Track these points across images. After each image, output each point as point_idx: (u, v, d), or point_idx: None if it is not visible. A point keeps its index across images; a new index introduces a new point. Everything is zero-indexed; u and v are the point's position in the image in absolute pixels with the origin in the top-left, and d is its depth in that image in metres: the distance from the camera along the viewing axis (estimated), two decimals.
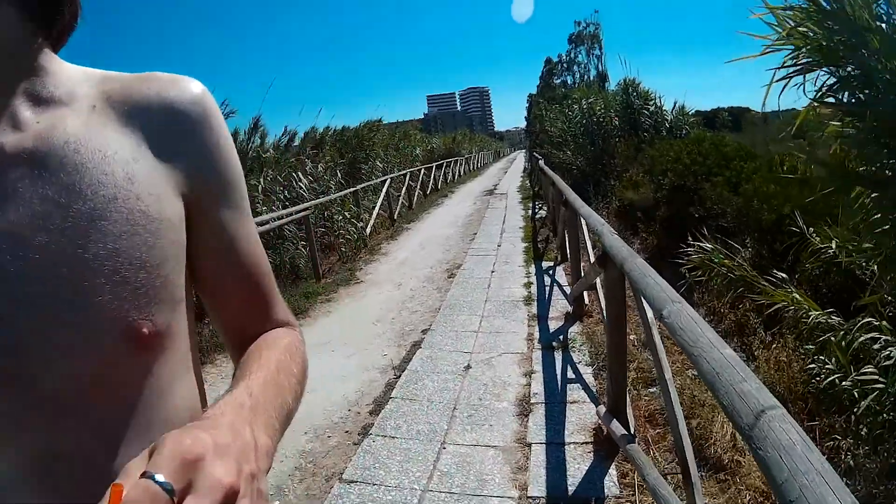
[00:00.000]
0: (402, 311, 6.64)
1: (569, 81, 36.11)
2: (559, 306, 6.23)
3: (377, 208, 12.84)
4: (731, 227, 7.11)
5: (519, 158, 54.40)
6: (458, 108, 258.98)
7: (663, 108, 15.59)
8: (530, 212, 14.02)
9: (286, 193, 11.44)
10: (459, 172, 28.75)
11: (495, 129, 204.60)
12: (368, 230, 11.61)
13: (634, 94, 15.67)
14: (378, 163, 19.09)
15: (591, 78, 32.64)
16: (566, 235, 7.18)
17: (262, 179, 10.87)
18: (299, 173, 12.23)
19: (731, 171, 8.07)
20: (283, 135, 14.90)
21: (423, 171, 19.61)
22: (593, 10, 38.44)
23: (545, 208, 14.03)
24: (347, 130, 19.65)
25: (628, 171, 12.97)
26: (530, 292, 6.86)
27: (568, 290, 6.64)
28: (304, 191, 11.83)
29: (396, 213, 14.17)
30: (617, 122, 15.53)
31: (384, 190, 13.61)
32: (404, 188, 16.22)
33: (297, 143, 15.31)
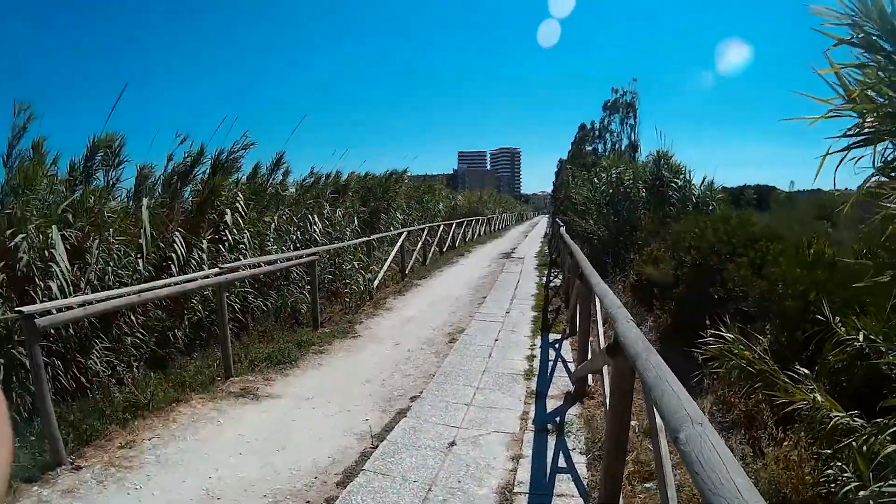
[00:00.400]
0: (395, 372, 6.33)
1: (600, 149, 36.04)
2: (561, 384, 5.87)
3: (388, 261, 12.62)
4: (752, 311, 6.71)
5: (541, 223, 54.41)
6: (488, 166, 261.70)
7: (692, 183, 15.31)
8: (545, 279, 13.70)
9: (299, 235, 11.29)
10: (480, 232, 28.62)
11: (521, 191, 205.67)
12: (376, 283, 11.36)
13: (665, 166, 15.41)
14: (398, 214, 18.99)
15: (623, 147, 32.53)
16: (578, 309, 6.82)
17: (275, 217, 10.71)
18: (315, 216, 12.09)
19: (756, 252, 7.71)
20: (308, 175, 14.88)
21: (441, 227, 19.46)
22: (632, 77, 38.48)
23: (560, 276, 13.74)
24: (371, 178, 19.68)
25: (650, 245, 12.64)
26: (532, 366, 6.51)
27: (573, 367, 6.29)
28: (317, 234, 11.68)
29: (409, 267, 13.93)
30: (644, 194, 15.25)
31: (399, 243, 13.41)
32: (420, 243, 16.02)
33: (320, 184, 15.29)
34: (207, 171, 9.86)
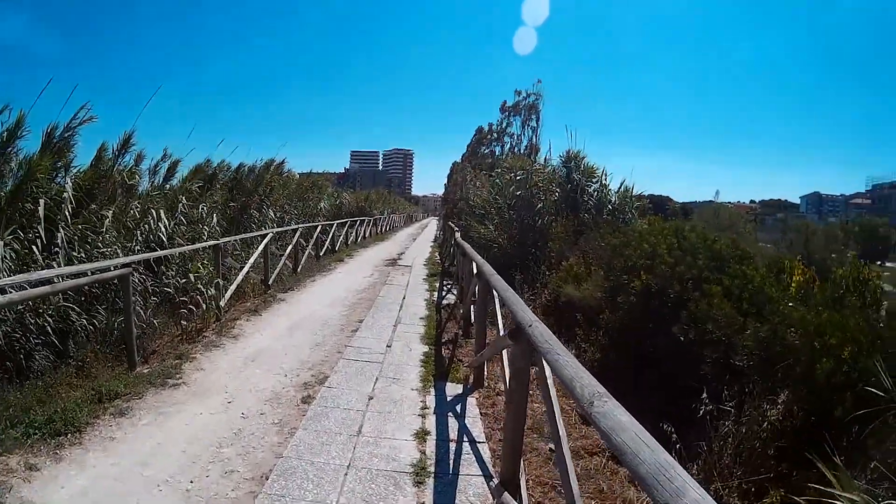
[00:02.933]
0: (213, 465, 4.18)
1: (497, 152, 34.87)
2: (472, 487, 3.95)
3: (246, 269, 10.35)
4: (744, 366, 5.09)
5: (431, 225, 52.79)
6: (381, 167, 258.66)
7: (608, 188, 13.99)
8: (437, 294, 11.93)
9: (139, 235, 9.05)
10: (365, 234, 26.54)
11: (413, 192, 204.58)
12: (226, 297, 9.10)
13: (577, 168, 13.96)
14: (271, 212, 16.70)
15: (522, 150, 31.30)
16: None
17: (111, 211, 8.44)
18: (161, 211, 9.75)
19: (731, 278, 6.11)
20: (162, 159, 12.36)
21: (319, 228, 17.24)
22: (536, 79, 37.58)
23: (454, 290, 12.05)
24: (245, 169, 17.25)
25: (566, 259, 11.07)
26: (424, 452, 4.48)
27: (485, 447, 4.53)
28: (163, 235, 9.41)
29: (273, 277, 11.72)
30: (556, 197, 13.75)
31: (261, 246, 11.20)
32: (291, 246, 13.80)
33: (181, 174, 12.82)
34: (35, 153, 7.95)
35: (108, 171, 9.35)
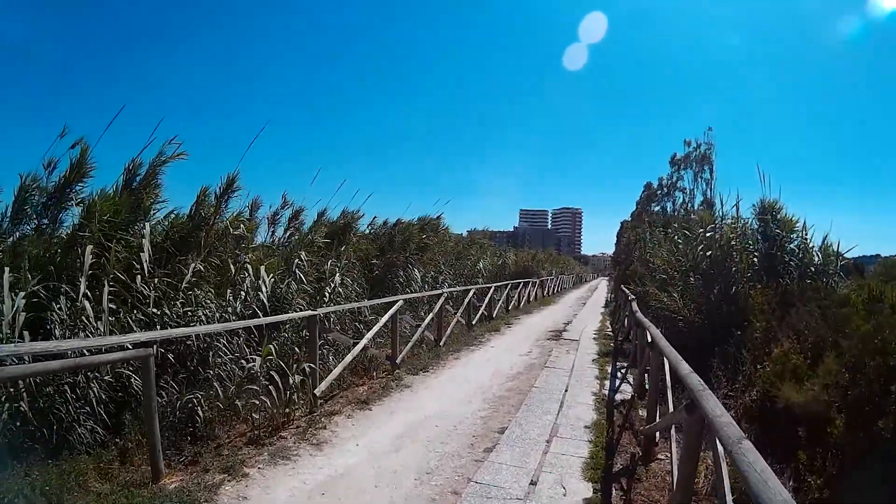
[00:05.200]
0: None
1: (669, 208, 31.09)
2: None
3: (359, 347, 8.07)
4: None
5: (601, 287, 49.09)
6: (549, 226, 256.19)
7: (810, 244, 10.43)
8: (608, 383, 8.94)
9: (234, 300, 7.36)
10: (530, 297, 23.84)
11: (582, 252, 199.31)
12: (321, 387, 6.87)
13: (774, 222, 10.53)
14: (416, 272, 14.65)
15: (696, 206, 27.30)
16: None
17: (192, 266, 6.84)
18: (262, 268, 7.97)
19: None
20: (282, 207, 10.81)
21: (472, 292, 14.84)
22: (707, 126, 33.49)
23: (630, 378, 9.07)
24: (390, 226, 15.53)
25: (776, 341, 7.76)
26: None
27: None
28: (263, 296, 7.60)
29: (403, 354, 9.41)
30: (756, 259, 10.43)
31: (386, 316, 8.97)
32: (432, 314, 11.49)
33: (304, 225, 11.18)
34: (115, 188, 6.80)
35: (208, 219, 7.72)
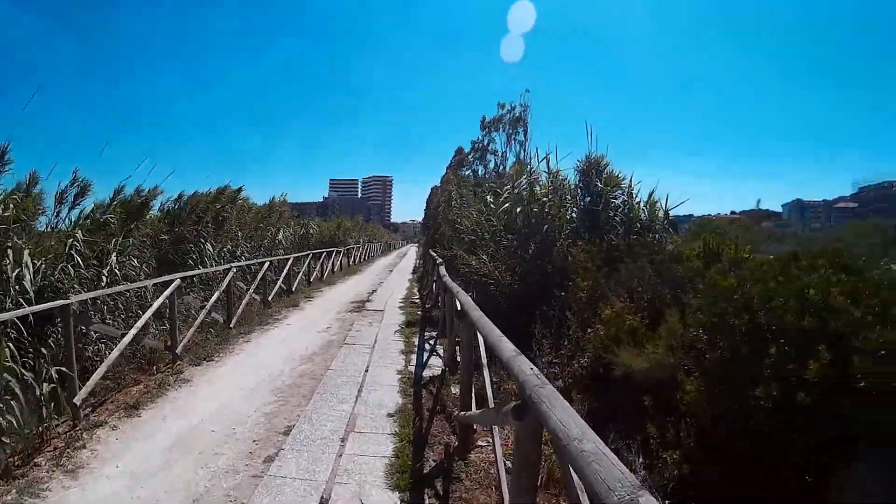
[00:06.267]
0: None
1: (480, 172, 31.22)
2: None
3: (127, 339, 6.85)
4: None
5: (410, 253, 49.76)
6: (360, 195, 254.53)
7: (636, 199, 10.80)
8: (414, 357, 8.60)
9: None
10: (334, 267, 23.11)
11: (392, 220, 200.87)
12: (82, 395, 5.72)
13: (598, 177, 10.68)
14: (209, 246, 13.43)
15: (508, 168, 27.28)
16: None
17: None
18: (26, 251, 6.64)
19: None
20: (71, 184, 9.32)
21: (268, 264, 13.81)
22: (524, 89, 33.97)
23: (439, 350, 8.82)
24: (185, 197, 14.13)
25: (605, 299, 7.73)
26: None
27: None
28: (28, 286, 6.29)
29: (184, 342, 8.35)
30: (576, 216, 10.52)
31: (164, 296, 7.87)
32: (219, 291, 10.42)
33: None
34: None
35: None
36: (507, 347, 3.37)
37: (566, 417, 2.06)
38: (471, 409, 5.21)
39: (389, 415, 6.06)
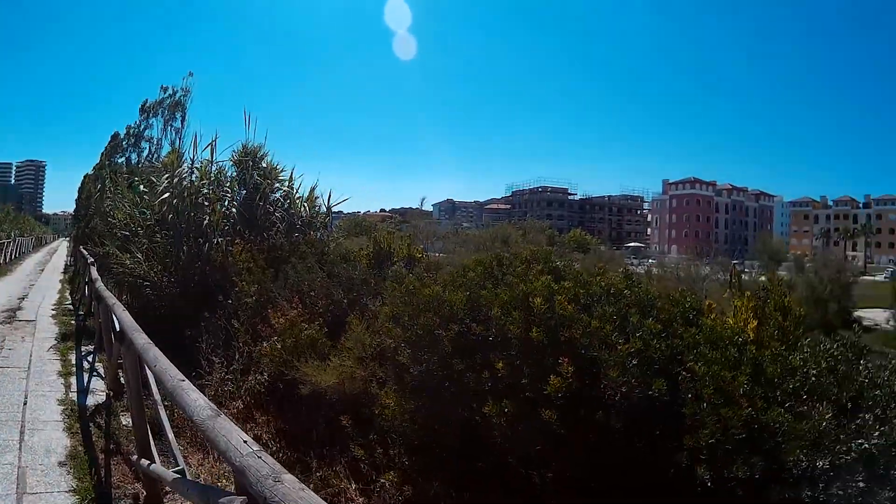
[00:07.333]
0: None
1: (133, 159, 27.97)
2: None
3: None
4: None
5: (62, 249, 43.13)
6: (13, 181, 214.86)
7: (296, 194, 10.64)
8: (75, 382, 7.01)
9: None
10: None
11: (44, 210, 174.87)
12: None
13: (256, 169, 10.14)
14: None
15: (162, 156, 24.69)
16: None
17: None
18: None
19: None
20: None
21: None
22: (188, 71, 31.34)
23: (99, 367, 7.61)
24: None
25: (274, 303, 6.99)
26: None
27: None
28: None
29: None
30: (235, 210, 9.84)
31: None
32: None
33: None
34: None
35: None
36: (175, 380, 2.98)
37: None
38: (150, 449, 4.31)
39: (61, 463, 4.70)
